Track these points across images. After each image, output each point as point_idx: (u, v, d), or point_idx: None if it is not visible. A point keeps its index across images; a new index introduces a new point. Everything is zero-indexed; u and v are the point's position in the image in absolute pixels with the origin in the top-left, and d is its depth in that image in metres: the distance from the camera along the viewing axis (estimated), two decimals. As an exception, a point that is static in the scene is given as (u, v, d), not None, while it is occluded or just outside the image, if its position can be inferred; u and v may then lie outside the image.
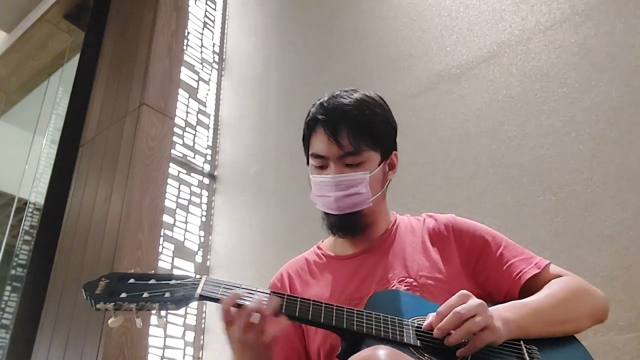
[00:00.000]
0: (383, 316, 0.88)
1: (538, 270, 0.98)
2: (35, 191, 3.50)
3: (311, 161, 1.07)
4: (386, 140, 1.08)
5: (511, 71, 1.82)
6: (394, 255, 1.04)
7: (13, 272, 3.31)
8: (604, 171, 1.50)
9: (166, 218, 2.39)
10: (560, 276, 0.99)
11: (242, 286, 0.89)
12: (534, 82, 1.75)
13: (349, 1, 2.56)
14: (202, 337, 2.35)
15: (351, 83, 2.31)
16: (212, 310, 2.39)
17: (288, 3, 2.93)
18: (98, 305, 0.86)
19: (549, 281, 0.97)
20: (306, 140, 1.09)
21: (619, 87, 1.55)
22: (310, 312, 0.86)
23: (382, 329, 0.85)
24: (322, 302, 0.88)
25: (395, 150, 1.11)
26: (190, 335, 2.32)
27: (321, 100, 1.07)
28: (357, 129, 1.01)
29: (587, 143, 1.56)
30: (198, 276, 0.91)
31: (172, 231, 2.43)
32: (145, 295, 0.86)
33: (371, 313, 0.87)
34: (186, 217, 2.53)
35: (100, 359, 1.85)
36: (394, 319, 0.88)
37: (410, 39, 2.19)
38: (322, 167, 1.04)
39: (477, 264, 1.02)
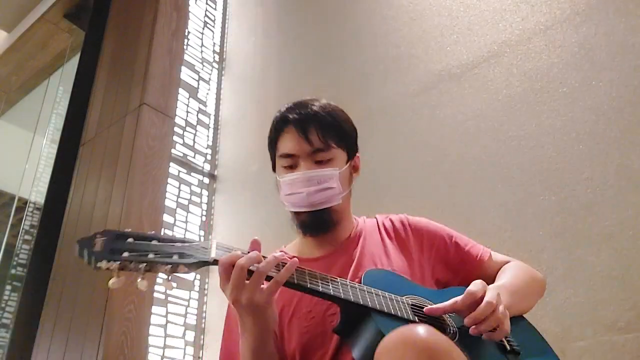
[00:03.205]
0: (382, 292, 0.91)
1: (489, 253, 1.14)
2: (36, 190, 3.50)
3: (280, 163, 1.12)
4: (351, 140, 1.14)
5: (511, 71, 1.82)
6: (362, 254, 1.09)
7: (13, 271, 3.30)
8: (604, 171, 1.50)
9: (166, 217, 2.39)
10: (506, 261, 1.15)
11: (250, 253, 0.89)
12: (534, 82, 1.75)
13: (349, 1, 2.56)
14: (202, 337, 2.35)
15: (351, 82, 2.34)
16: (213, 311, 2.39)
17: (288, 3, 2.93)
18: (100, 264, 0.76)
19: (497, 265, 1.13)
20: (273, 144, 1.15)
21: (619, 87, 1.55)
22: (314, 282, 0.88)
23: (384, 305, 0.89)
24: (327, 275, 0.91)
25: (358, 152, 1.17)
26: (190, 335, 2.32)
27: (286, 105, 1.14)
28: (325, 127, 1.08)
29: (587, 143, 1.56)
30: (206, 240, 0.83)
31: (172, 231, 2.42)
32: (151, 256, 0.79)
33: (371, 290, 0.91)
34: (186, 217, 2.53)
35: (100, 358, 1.85)
36: (391, 296, 0.92)
37: (411, 39, 2.19)
38: (292, 167, 1.09)
39: (436, 255, 1.13)
